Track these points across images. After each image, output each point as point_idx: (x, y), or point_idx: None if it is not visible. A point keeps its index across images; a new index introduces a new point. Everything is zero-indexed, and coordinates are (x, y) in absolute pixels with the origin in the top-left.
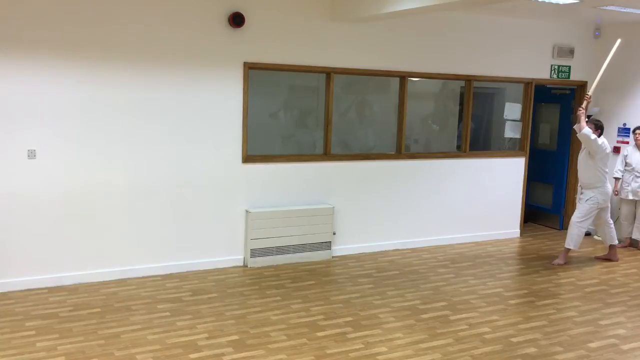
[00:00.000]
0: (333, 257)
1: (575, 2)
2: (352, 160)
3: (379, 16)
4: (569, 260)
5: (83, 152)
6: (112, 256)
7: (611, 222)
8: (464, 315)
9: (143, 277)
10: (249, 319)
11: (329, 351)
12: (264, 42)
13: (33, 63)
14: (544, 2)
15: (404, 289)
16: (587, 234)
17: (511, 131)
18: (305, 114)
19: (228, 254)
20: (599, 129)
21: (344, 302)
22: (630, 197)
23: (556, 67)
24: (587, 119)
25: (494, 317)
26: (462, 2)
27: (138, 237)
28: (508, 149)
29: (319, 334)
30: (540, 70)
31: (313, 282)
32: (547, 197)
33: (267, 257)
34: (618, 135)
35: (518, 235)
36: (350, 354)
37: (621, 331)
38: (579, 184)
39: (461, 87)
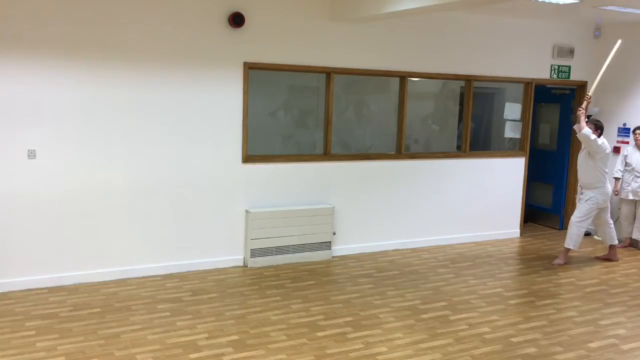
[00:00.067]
0: (333, 257)
1: (575, 2)
2: (352, 160)
3: (379, 16)
4: (569, 260)
5: (83, 152)
6: (112, 256)
7: (611, 222)
8: (464, 315)
9: (143, 277)
10: (249, 319)
11: (329, 351)
12: (264, 42)
13: (33, 63)
14: (544, 2)
15: (404, 289)
16: (587, 234)
17: (511, 131)
18: (305, 114)
19: (228, 254)
20: (598, 129)
21: (344, 302)
22: (630, 197)
23: (556, 67)
24: (587, 119)
25: (494, 317)
26: (462, 2)
27: (138, 237)
28: (508, 149)
29: (319, 334)
30: (540, 70)
31: (313, 282)
32: (547, 197)
33: (267, 257)
34: (618, 135)
35: (518, 235)
36: (350, 354)
37: (621, 331)
38: (578, 184)
39: (461, 87)
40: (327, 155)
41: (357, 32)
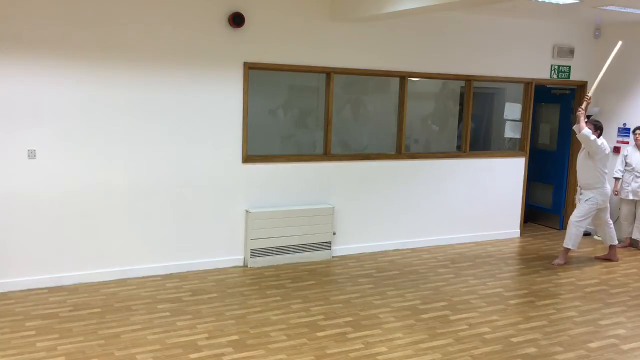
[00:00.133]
0: (333, 257)
1: (575, 2)
2: (352, 160)
3: (379, 16)
4: (569, 260)
5: (83, 152)
6: (112, 256)
7: (611, 222)
8: (464, 315)
9: (143, 277)
10: (249, 319)
11: (329, 351)
12: (264, 42)
13: (33, 63)
14: (544, 2)
15: (404, 289)
16: (587, 234)
17: (511, 131)
18: (305, 114)
19: (228, 254)
20: (598, 129)
21: (344, 302)
22: (630, 197)
23: (556, 67)
24: (586, 120)
25: (494, 317)
26: (462, 2)
27: (138, 237)
28: (508, 149)
29: (319, 334)
30: (540, 70)
31: (313, 282)
32: (547, 197)
33: (267, 257)
34: (618, 135)
35: (518, 235)
36: (350, 354)
37: (621, 331)
38: (578, 184)
39: (461, 87)
40: (327, 155)
41: (357, 32)
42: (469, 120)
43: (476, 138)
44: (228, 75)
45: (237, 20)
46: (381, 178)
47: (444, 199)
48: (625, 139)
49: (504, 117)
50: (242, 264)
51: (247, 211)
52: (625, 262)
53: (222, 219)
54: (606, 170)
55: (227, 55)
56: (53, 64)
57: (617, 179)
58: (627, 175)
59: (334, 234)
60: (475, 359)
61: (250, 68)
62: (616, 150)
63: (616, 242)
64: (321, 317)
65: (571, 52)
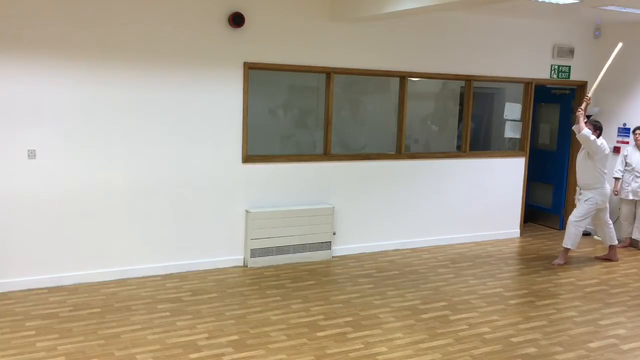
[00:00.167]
0: (333, 257)
1: (575, 2)
2: (352, 160)
3: (379, 16)
4: (569, 260)
5: (83, 152)
6: (112, 256)
7: (610, 222)
8: (464, 315)
9: (143, 277)
10: (249, 319)
11: (329, 351)
12: (264, 42)
13: (33, 63)
14: (544, 2)
15: (404, 289)
16: (587, 234)
17: (511, 131)
18: (305, 114)
19: (228, 254)
20: (597, 129)
21: (344, 302)
22: (630, 197)
23: (556, 67)
24: (586, 120)
25: (494, 317)
26: (462, 2)
27: (138, 237)
28: (508, 149)
29: (319, 334)
30: (540, 70)
31: (313, 282)
32: (547, 197)
33: (267, 257)
34: (618, 135)
35: (518, 235)
36: (350, 354)
37: (621, 331)
38: (577, 185)
39: (461, 87)
40: (327, 155)
41: (357, 32)
42: (469, 120)
43: (476, 138)
44: (228, 75)
45: (237, 20)
46: (381, 178)
47: (444, 199)
48: (625, 139)
49: (504, 117)
50: (242, 264)
51: (247, 211)
52: (625, 262)
53: (222, 219)
54: (606, 171)
55: (227, 55)
56: (53, 64)
57: (617, 179)
58: (627, 175)
59: (334, 234)
60: (475, 359)
61: (250, 68)
62: (616, 150)
63: (616, 242)
64: (321, 317)
65: (571, 52)
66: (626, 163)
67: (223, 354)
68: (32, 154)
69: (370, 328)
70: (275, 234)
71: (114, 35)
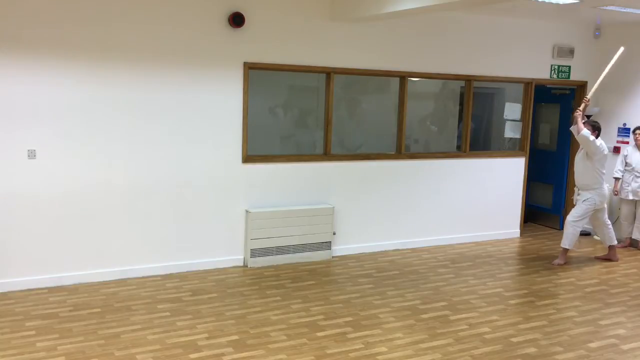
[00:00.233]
0: (333, 257)
1: (575, 2)
2: (352, 160)
3: (379, 16)
4: (569, 260)
5: (83, 152)
6: (112, 256)
7: (609, 222)
8: (464, 315)
9: (143, 277)
10: (249, 319)
11: (329, 351)
12: (264, 42)
13: (33, 63)
14: (544, 2)
15: (404, 289)
16: (588, 234)
17: (511, 131)
18: (305, 114)
19: (228, 254)
20: (596, 130)
21: (344, 302)
22: (630, 197)
23: (556, 67)
24: (584, 120)
25: (494, 317)
26: (462, 2)
27: (138, 237)
28: (508, 149)
29: (319, 334)
30: (540, 70)
31: (313, 282)
32: (547, 197)
33: (267, 257)
34: (618, 135)
35: (518, 235)
36: (350, 354)
37: (621, 331)
38: (575, 185)
39: (461, 87)
40: (327, 155)
41: (357, 32)
42: (469, 120)
43: (476, 138)
44: (228, 75)
45: (237, 20)
46: (381, 178)
47: (444, 199)
48: (625, 139)
49: (504, 117)
50: (242, 264)
51: (247, 211)
52: (625, 262)
53: (222, 219)
54: (604, 171)
55: (227, 55)
56: (53, 64)
57: (617, 179)
58: (627, 175)
59: (334, 234)
60: (475, 359)
61: (250, 68)
62: (616, 150)
63: (615, 242)
64: (321, 317)
65: (571, 52)
66: (626, 163)
67: (223, 354)
68: (32, 154)
69: (370, 328)
70: (275, 234)
71: (114, 35)
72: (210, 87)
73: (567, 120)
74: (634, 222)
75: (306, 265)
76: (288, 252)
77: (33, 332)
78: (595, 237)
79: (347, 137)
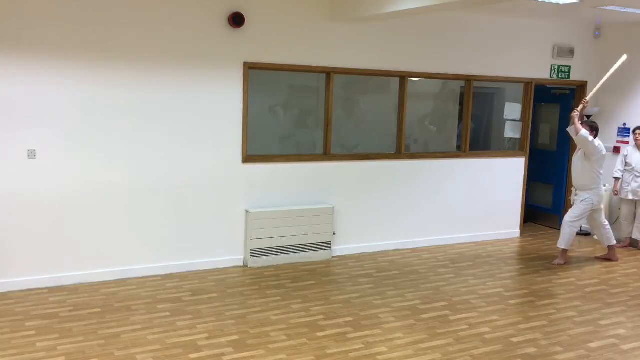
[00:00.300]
0: (333, 257)
1: (575, 2)
2: (352, 160)
3: (379, 16)
4: (569, 260)
5: (83, 152)
6: (112, 256)
7: (606, 223)
8: (464, 315)
9: (143, 277)
10: (249, 319)
11: (329, 351)
12: (264, 42)
13: (33, 63)
14: (544, 2)
15: (404, 289)
16: (588, 234)
17: (511, 131)
18: (305, 114)
19: (228, 254)
20: (594, 130)
21: (344, 302)
22: (630, 197)
23: (556, 67)
24: (582, 122)
25: (494, 317)
26: (462, 2)
27: (138, 237)
28: (508, 149)
29: (319, 334)
30: (540, 70)
31: (313, 282)
32: (547, 197)
33: (267, 257)
34: (618, 135)
35: (518, 235)
36: (350, 354)
37: (621, 331)
38: (573, 185)
39: (461, 87)
40: (327, 155)
41: (357, 32)
42: (469, 120)
43: (476, 138)
44: (228, 75)
45: (237, 20)
46: (381, 178)
47: (443, 199)
48: (625, 139)
49: (504, 117)
50: (242, 264)
51: (247, 211)
52: (625, 262)
53: (222, 219)
54: (602, 172)
55: (227, 55)
56: (53, 64)
57: (616, 179)
58: (627, 175)
59: (334, 234)
60: (475, 359)
61: (250, 68)
62: (616, 150)
63: (614, 242)
64: (321, 317)
65: (571, 52)
66: (626, 163)
67: (223, 354)
68: (32, 154)
69: (370, 328)
70: (275, 234)
71: (114, 35)
72: (210, 87)
73: (567, 120)
74: (634, 222)
75: (306, 265)
76: (288, 252)
77: (33, 332)
78: (595, 237)
79: (347, 137)
